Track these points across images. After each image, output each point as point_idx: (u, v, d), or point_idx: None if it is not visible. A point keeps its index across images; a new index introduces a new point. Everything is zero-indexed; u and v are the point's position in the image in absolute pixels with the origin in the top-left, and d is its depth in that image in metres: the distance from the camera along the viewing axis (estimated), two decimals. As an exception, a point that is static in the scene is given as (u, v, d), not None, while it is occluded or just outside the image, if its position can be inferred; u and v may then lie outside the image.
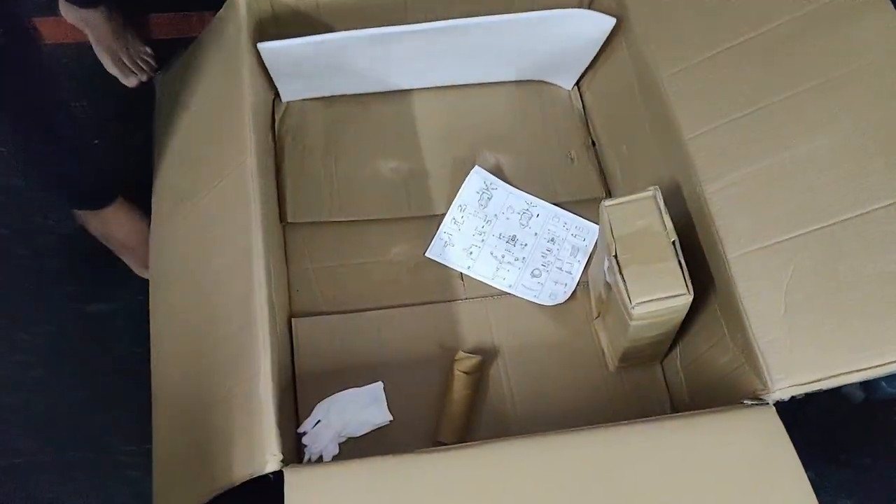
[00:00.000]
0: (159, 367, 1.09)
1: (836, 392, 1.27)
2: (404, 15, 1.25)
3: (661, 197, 0.96)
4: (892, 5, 0.98)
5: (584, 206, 1.24)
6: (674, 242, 0.93)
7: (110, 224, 1.31)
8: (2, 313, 1.33)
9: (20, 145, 1.22)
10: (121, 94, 1.49)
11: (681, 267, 0.91)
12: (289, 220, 1.20)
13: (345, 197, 1.24)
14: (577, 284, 1.17)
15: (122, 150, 1.44)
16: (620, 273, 0.92)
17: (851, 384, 1.24)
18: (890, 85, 0.93)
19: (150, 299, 1.16)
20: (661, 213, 0.95)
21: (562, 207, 1.24)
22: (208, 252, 1.07)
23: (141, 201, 1.30)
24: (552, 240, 1.21)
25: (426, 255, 1.19)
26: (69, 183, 1.26)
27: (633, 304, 0.90)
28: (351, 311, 1.15)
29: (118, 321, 1.32)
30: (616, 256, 0.93)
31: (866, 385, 1.22)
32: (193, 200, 1.14)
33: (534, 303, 1.15)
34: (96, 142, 1.44)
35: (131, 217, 1.31)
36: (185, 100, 1.24)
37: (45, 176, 1.26)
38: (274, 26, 1.22)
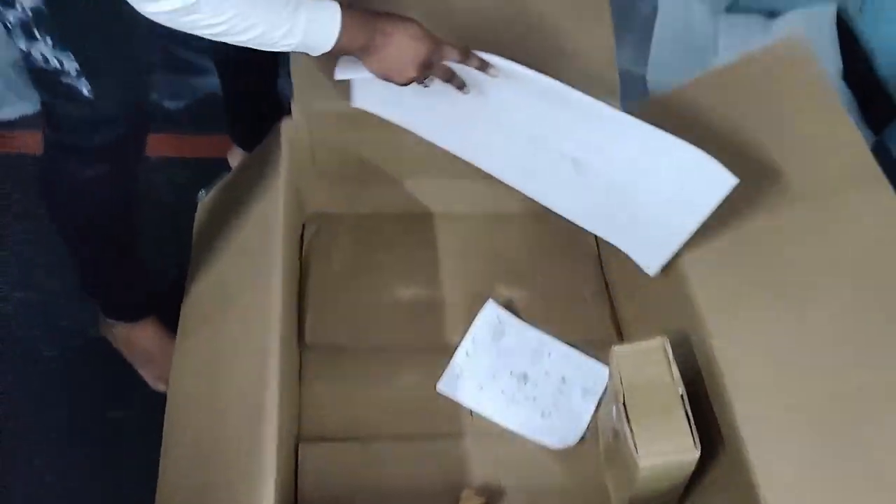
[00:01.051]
0: (166, 478, 1.08)
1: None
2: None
3: (669, 347, 0.95)
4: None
5: (596, 347, 1.24)
6: (682, 395, 0.91)
7: (137, 336, 1.33)
8: (23, 415, 1.33)
9: (78, 251, 1.27)
10: (165, 215, 1.53)
11: (689, 421, 0.90)
12: (306, 342, 1.21)
13: (363, 322, 1.25)
14: (587, 428, 1.15)
15: (161, 267, 1.47)
16: (628, 422, 0.91)
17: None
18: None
19: (165, 412, 1.16)
20: (669, 363, 0.94)
21: (574, 346, 1.23)
22: (226, 370, 1.07)
23: (169, 317, 1.31)
24: (563, 380, 1.20)
25: (437, 387, 1.18)
26: (114, 294, 1.29)
27: (640, 455, 0.88)
28: (358, 440, 1.13)
29: (134, 429, 1.32)
30: (624, 405, 0.92)
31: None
32: (218, 318, 1.15)
33: (543, 446, 1.13)
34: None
35: (157, 331, 1.33)
36: (221, 222, 1.27)
37: (93, 283, 1.29)
38: (311, 161, 1.27)
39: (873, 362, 0.88)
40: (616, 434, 0.99)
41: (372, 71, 1.01)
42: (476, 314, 1.25)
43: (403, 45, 0.96)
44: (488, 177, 1.34)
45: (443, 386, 1.18)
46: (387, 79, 1.01)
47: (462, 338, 1.23)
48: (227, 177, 1.36)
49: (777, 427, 0.86)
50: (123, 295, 1.33)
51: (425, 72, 1.00)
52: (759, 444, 0.85)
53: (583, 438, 1.14)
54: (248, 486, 0.89)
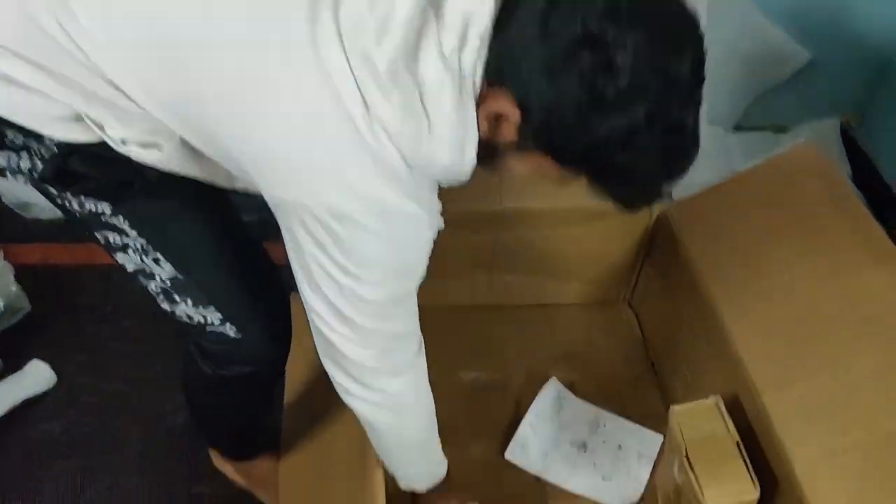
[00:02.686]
0: None
1: None
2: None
3: (722, 404, 1.04)
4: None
5: (646, 419, 1.31)
6: (738, 443, 0.99)
7: (256, 467, 1.34)
8: (117, 492, 1.40)
9: (215, 425, 1.29)
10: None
11: (747, 466, 0.97)
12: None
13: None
14: (645, 489, 1.21)
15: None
16: (692, 470, 0.98)
17: None
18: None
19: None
20: (724, 417, 1.02)
21: (626, 418, 1.31)
22: (333, 449, 1.16)
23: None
24: (619, 447, 1.27)
25: (505, 456, 1.25)
26: (240, 443, 1.31)
27: (706, 497, 0.95)
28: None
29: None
30: (687, 456, 1.00)
31: None
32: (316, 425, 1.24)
33: (606, 504, 1.19)
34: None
35: (273, 457, 1.32)
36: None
37: (218, 438, 1.32)
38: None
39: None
40: (677, 489, 1.06)
41: None
42: (535, 394, 1.33)
43: None
44: (538, 273, 1.46)
45: (510, 455, 1.26)
46: None
47: (524, 415, 1.31)
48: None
49: (828, 466, 0.93)
50: (249, 442, 1.33)
51: None
52: (813, 481, 0.92)
53: (641, 499, 1.20)
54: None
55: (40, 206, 1.84)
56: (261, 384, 1.17)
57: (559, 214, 1.37)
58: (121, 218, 0.88)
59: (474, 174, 0.79)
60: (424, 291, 1.48)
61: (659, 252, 1.43)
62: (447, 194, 1.34)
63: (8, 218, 1.85)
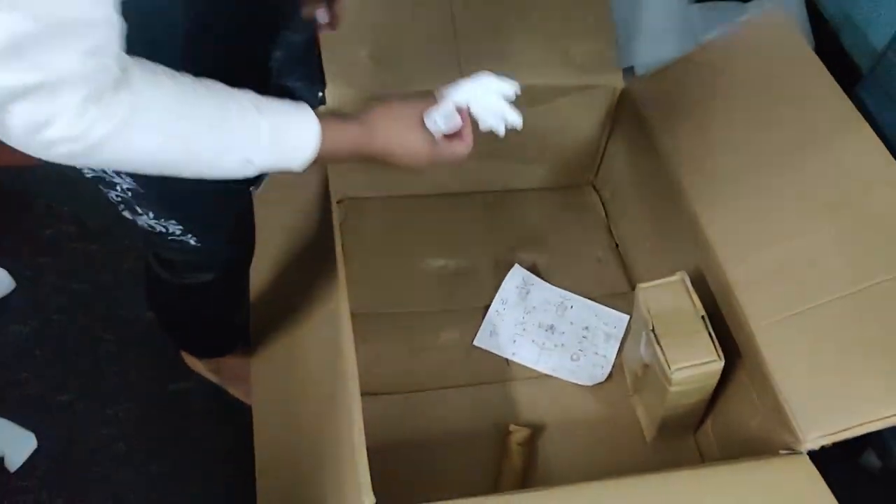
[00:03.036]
0: (261, 437, 1.16)
1: (853, 464, 1.30)
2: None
3: (688, 280, 1.04)
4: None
5: (612, 299, 1.32)
6: (703, 317, 1.00)
7: (225, 363, 1.35)
8: (90, 392, 1.39)
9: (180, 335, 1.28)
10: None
11: (711, 338, 0.98)
12: (351, 312, 1.28)
13: (399, 291, 1.33)
14: (613, 367, 1.23)
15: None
16: (659, 345, 0.99)
17: (868, 453, 1.28)
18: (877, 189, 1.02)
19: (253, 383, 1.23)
20: (689, 292, 1.03)
21: (593, 300, 1.31)
22: (305, 336, 1.15)
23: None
24: (587, 328, 1.28)
25: (474, 343, 1.26)
26: (210, 344, 1.30)
27: (672, 370, 0.97)
28: (410, 392, 1.20)
29: (195, 399, 1.38)
30: (654, 331, 1.00)
31: (882, 453, 1.25)
32: (286, 295, 1.23)
33: (575, 384, 1.21)
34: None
35: (243, 352, 1.32)
36: (272, 215, 1.33)
37: (188, 344, 1.31)
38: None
39: (865, 272, 0.95)
40: (644, 365, 1.07)
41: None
42: (503, 279, 1.32)
43: (402, 161, 0.85)
44: (502, 157, 1.43)
45: (479, 342, 1.26)
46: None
47: (492, 300, 1.30)
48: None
49: (787, 332, 0.94)
50: (216, 341, 1.34)
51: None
52: (773, 347, 0.94)
53: (609, 376, 1.22)
54: (338, 419, 0.95)
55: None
56: (223, 288, 1.16)
57: (522, 92, 1.32)
58: (192, 237, 0.92)
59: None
60: (386, 182, 1.46)
61: (622, 130, 1.40)
62: (404, 76, 1.29)
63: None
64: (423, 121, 0.84)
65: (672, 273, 1.09)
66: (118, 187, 0.88)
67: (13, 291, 1.51)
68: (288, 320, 1.24)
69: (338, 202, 1.41)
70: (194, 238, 0.97)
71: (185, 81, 0.68)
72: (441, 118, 0.84)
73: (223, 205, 1.00)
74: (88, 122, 0.60)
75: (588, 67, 1.34)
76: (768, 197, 1.06)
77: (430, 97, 0.86)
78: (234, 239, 1.07)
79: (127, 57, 0.63)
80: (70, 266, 1.55)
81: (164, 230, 0.95)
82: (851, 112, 1.09)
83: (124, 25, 0.61)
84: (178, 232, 0.95)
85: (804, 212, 1.02)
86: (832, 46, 1.69)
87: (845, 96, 1.12)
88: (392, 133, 0.83)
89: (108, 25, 0.59)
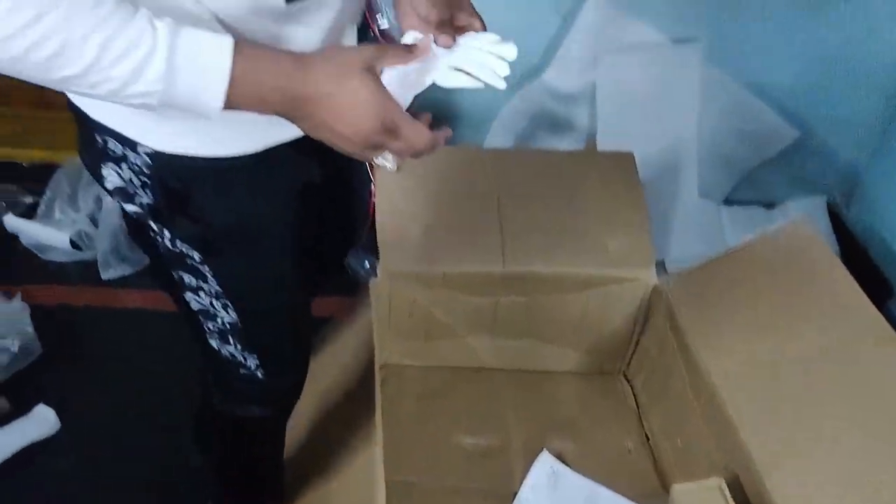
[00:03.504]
0: None
1: None
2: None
3: (726, 488, 1.03)
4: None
5: (642, 496, 1.30)
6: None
7: None
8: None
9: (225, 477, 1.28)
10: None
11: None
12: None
13: (431, 463, 1.33)
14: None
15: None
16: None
17: None
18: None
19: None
20: (726, 500, 1.02)
21: (622, 496, 1.30)
22: (337, 497, 1.17)
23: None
24: (616, 525, 1.25)
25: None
26: (253, 479, 1.27)
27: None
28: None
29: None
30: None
31: None
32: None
33: None
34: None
35: None
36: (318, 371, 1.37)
37: (226, 473, 1.27)
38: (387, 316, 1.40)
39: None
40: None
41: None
42: (532, 462, 1.32)
43: (341, 116, 0.67)
44: (538, 337, 1.47)
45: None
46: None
47: (520, 486, 1.29)
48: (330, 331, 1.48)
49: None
50: (255, 489, 1.30)
51: (385, 142, 0.70)
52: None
53: None
54: None
55: (58, 249, 1.85)
56: (271, 429, 1.19)
57: (559, 279, 1.38)
58: (206, 267, 0.89)
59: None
60: (427, 352, 1.50)
61: (654, 324, 1.43)
62: (451, 257, 1.36)
63: (26, 259, 1.85)
64: (367, 68, 0.67)
65: (705, 471, 1.08)
66: (220, 319, 0.94)
67: (58, 431, 1.52)
68: (321, 478, 1.24)
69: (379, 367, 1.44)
70: (263, 371, 1.01)
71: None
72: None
73: (297, 339, 1.06)
74: None
75: (624, 262, 1.41)
76: (802, 402, 1.08)
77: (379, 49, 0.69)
78: (295, 381, 1.11)
79: None
80: (115, 406, 1.58)
81: (241, 360, 0.99)
82: (881, 323, 1.12)
83: None
84: (252, 366, 1.00)
85: (839, 419, 1.03)
86: (859, 259, 1.75)
87: (874, 308, 1.15)
88: (331, 74, 0.66)
89: None
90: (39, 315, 1.65)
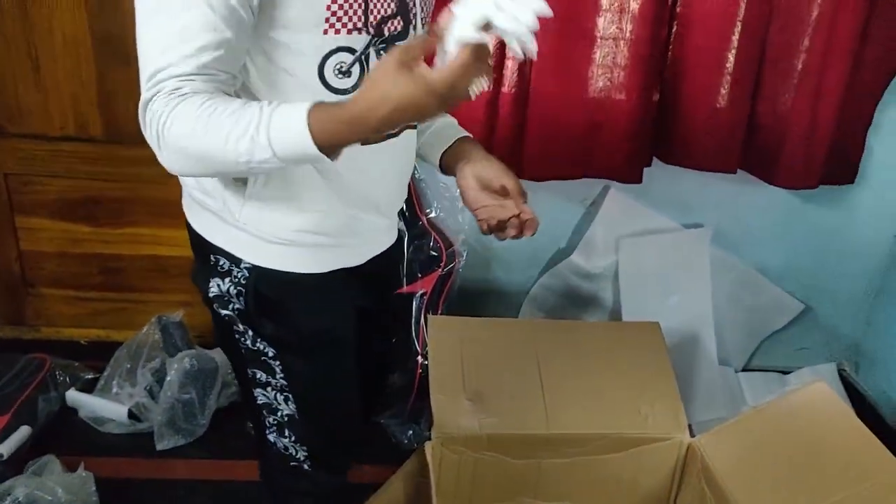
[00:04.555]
0: None
1: None
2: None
3: None
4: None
5: None
6: None
7: None
8: None
9: None
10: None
11: None
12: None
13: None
14: None
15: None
16: None
17: None
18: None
19: None
20: None
21: None
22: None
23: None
24: None
25: None
26: None
27: None
28: None
29: None
30: None
31: None
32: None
33: None
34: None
35: None
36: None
37: None
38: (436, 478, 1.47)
39: None
40: None
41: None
42: None
43: (403, 110, 0.82)
44: (581, 499, 1.53)
45: None
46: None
47: None
48: (379, 491, 1.53)
49: None
50: None
51: (454, 95, 0.83)
52: None
53: None
54: None
55: (115, 421, 1.94)
56: None
57: (599, 441, 1.47)
58: (277, 362, 1.09)
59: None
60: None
61: (690, 482, 1.51)
62: (498, 421, 1.46)
63: (85, 431, 1.93)
64: (399, 65, 0.81)
65: None
66: (280, 413, 1.11)
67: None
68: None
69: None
70: (310, 463, 1.15)
71: (215, 112, 0.84)
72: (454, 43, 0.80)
73: (344, 439, 1.21)
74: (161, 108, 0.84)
75: (658, 424, 1.51)
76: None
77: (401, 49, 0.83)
78: (339, 472, 1.24)
79: (196, 91, 0.85)
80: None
81: (293, 454, 1.14)
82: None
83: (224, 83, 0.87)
84: (301, 457, 1.15)
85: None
86: (873, 420, 1.85)
87: (896, 462, 1.25)
88: (378, 87, 0.82)
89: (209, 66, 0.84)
90: (99, 485, 1.70)
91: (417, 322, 1.88)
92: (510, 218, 1.05)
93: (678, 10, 1.78)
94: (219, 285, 1.05)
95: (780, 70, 1.80)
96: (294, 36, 0.91)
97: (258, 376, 1.11)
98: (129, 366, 2.04)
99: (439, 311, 1.90)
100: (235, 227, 1.02)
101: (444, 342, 1.58)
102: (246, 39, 0.89)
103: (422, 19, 1.02)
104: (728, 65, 1.79)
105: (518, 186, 1.06)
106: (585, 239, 1.98)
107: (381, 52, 0.97)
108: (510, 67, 1.80)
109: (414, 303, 1.88)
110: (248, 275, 1.03)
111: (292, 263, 1.03)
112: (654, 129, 1.86)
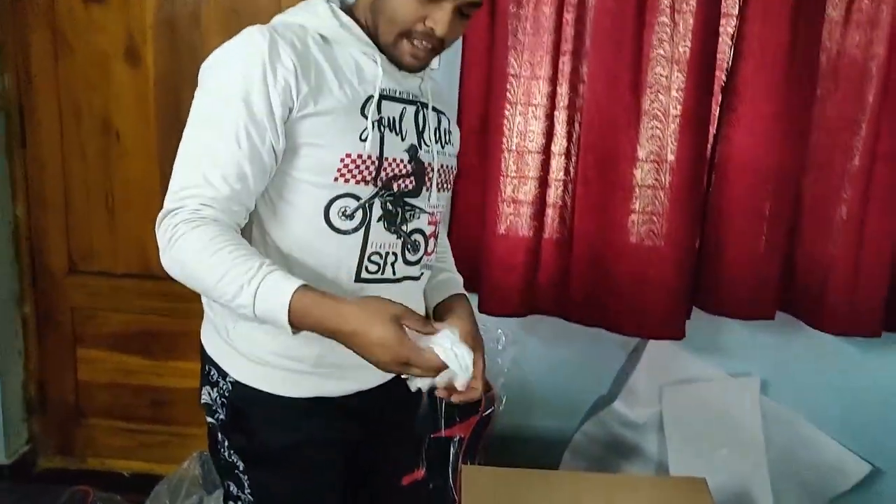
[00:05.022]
0: None
1: None
2: None
3: None
4: None
5: None
6: None
7: None
8: None
9: None
10: None
11: None
12: None
13: None
14: None
15: None
16: None
17: None
18: None
19: None
20: None
21: None
22: None
23: None
24: None
25: None
26: None
27: None
28: None
29: None
30: None
31: None
32: None
33: None
34: None
35: None
36: None
37: None
38: None
39: None
40: None
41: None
42: None
43: (369, 348, 0.93)
44: None
45: None
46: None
47: None
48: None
49: None
50: None
51: (404, 369, 0.95)
52: None
53: None
54: None
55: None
56: None
57: None
58: (246, 477, 1.10)
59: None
60: None
61: None
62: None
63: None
64: (393, 318, 0.92)
65: None
66: None
67: None
68: None
69: None
70: None
71: (222, 249, 0.93)
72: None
73: None
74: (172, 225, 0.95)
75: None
76: None
77: (407, 310, 0.95)
78: None
79: (214, 222, 0.95)
80: None
81: None
82: None
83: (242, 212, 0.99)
84: None
85: None
86: None
87: None
88: (363, 319, 0.92)
89: (228, 198, 0.96)
90: None
91: (455, 468, 1.84)
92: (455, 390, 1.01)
93: (716, 160, 1.82)
94: (209, 393, 1.11)
95: (819, 217, 1.80)
96: (306, 177, 1.01)
97: (231, 489, 1.13)
98: (167, 502, 2.04)
99: (477, 457, 1.86)
100: (226, 342, 1.09)
101: (478, 496, 1.53)
102: (264, 180, 1.00)
103: (438, 184, 1.11)
104: (766, 213, 1.80)
105: (479, 359, 1.03)
106: (628, 386, 1.94)
107: (388, 202, 1.05)
108: (550, 215, 1.85)
109: (451, 448, 1.85)
110: (231, 388, 1.09)
111: (267, 384, 1.07)
112: (693, 278, 1.86)
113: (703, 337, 1.92)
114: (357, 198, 1.03)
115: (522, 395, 1.99)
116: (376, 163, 1.02)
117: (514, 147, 1.81)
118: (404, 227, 1.08)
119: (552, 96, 1.79)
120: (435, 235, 1.15)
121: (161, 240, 0.98)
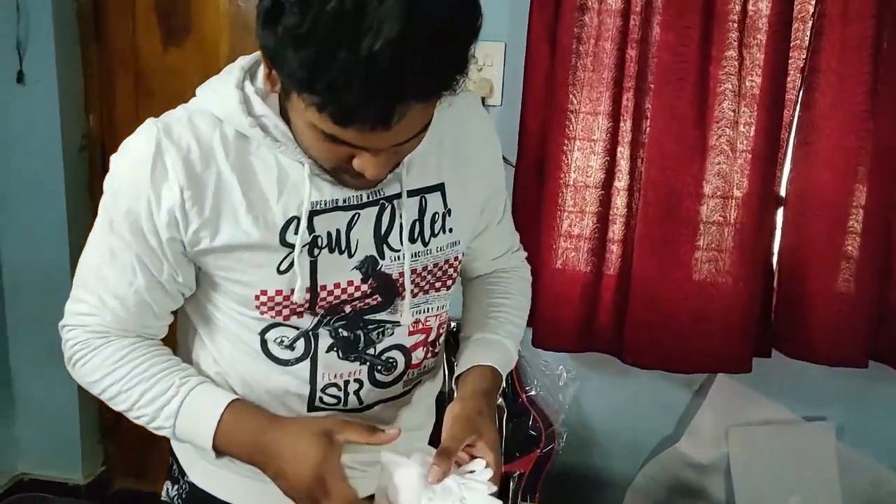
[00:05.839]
0: None
1: None
2: None
3: None
4: None
5: None
6: None
7: None
8: None
9: None
10: None
11: None
12: None
13: None
14: None
15: None
16: None
17: None
18: None
19: None
20: None
21: None
22: None
23: None
24: None
25: None
26: None
27: None
28: None
29: None
30: None
31: None
32: None
33: None
34: None
35: None
36: None
37: None
38: None
39: None
40: None
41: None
42: None
43: (289, 476, 0.82)
44: None
45: None
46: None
47: None
48: None
49: None
50: None
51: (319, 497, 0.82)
52: None
53: None
54: None
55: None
56: None
57: None
58: None
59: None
60: None
61: None
62: None
63: None
64: (320, 433, 0.82)
65: None
66: None
67: None
68: None
69: None
70: None
71: (130, 373, 0.88)
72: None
73: None
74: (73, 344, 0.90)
75: None
76: None
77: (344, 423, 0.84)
78: None
79: (119, 338, 0.89)
80: None
81: None
82: None
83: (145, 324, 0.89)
84: None
85: None
86: None
87: None
88: (291, 432, 0.83)
89: (127, 321, 0.87)
90: None
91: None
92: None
93: (786, 196, 1.76)
94: (167, 489, 1.06)
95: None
96: (230, 305, 0.88)
97: None
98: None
99: (537, 495, 1.84)
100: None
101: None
102: (176, 302, 0.90)
103: (423, 288, 0.91)
104: (848, 249, 1.72)
105: (494, 458, 0.85)
106: (692, 426, 1.88)
107: (340, 329, 0.88)
108: (613, 251, 1.82)
109: (511, 484, 1.83)
110: (188, 490, 1.02)
111: (225, 492, 0.99)
112: (766, 319, 1.79)
113: (774, 377, 1.84)
114: (295, 328, 0.88)
115: (583, 432, 1.96)
116: (307, 294, 0.84)
117: (571, 182, 1.81)
118: (370, 351, 0.91)
119: (612, 131, 1.77)
120: (427, 343, 0.95)
121: (65, 355, 0.92)
